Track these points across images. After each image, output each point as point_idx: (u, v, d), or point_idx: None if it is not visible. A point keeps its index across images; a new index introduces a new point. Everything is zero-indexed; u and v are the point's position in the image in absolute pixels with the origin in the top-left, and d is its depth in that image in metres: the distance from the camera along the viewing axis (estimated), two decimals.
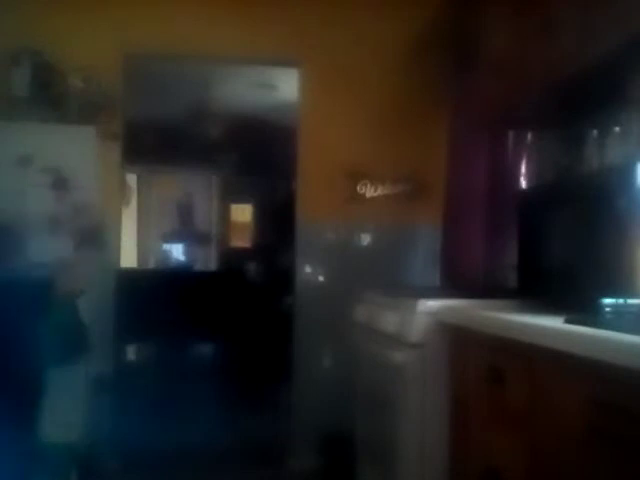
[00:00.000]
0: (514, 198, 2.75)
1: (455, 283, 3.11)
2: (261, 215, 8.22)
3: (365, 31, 3.57)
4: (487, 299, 2.20)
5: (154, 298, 5.69)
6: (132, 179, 8.01)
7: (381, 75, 3.60)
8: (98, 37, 3.37)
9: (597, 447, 1.27)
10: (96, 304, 3.13)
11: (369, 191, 3.66)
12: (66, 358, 2.70)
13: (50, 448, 2.62)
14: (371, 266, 3.61)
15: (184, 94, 5.56)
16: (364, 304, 2.77)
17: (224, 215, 8.55)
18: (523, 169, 2.90)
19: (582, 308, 1.58)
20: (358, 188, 3.64)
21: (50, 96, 3.25)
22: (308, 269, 3.66)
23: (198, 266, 8.40)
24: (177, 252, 8.71)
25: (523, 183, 2.90)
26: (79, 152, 3.20)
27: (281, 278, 5.06)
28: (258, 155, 6.99)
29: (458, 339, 2.08)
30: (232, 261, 7.74)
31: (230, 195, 8.43)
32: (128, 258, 7.42)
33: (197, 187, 8.75)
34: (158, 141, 6.78)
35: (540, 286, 2.13)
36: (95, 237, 3.02)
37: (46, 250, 2.86)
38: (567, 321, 1.50)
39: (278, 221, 5.98)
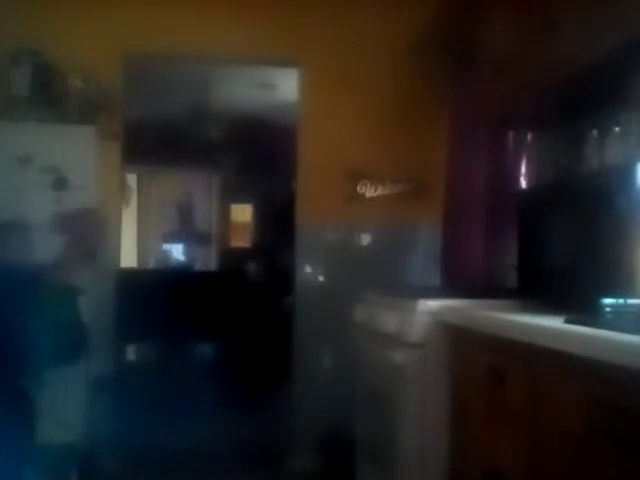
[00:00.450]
0: (514, 198, 2.75)
1: (455, 283, 3.11)
2: (261, 215, 8.22)
3: (365, 31, 3.57)
4: (487, 299, 2.20)
5: (154, 298, 5.69)
6: (132, 179, 8.02)
7: (381, 75, 3.61)
8: (98, 37, 3.37)
9: (597, 447, 1.27)
10: (96, 304, 3.13)
11: (369, 191, 3.66)
12: (66, 358, 2.69)
13: (50, 448, 2.62)
14: (371, 266, 3.61)
15: (184, 94, 5.56)
16: (364, 304, 2.77)
17: (224, 215, 8.56)
18: (523, 169, 2.90)
19: (582, 308, 1.57)
20: (358, 188, 3.65)
21: (50, 96, 3.25)
22: (308, 269, 3.66)
23: (198, 266, 8.41)
24: (177, 252, 8.72)
25: (523, 183, 2.89)
26: (79, 152, 3.20)
27: (281, 278, 5.06)
28: (258, 155, 6.99)
29: (458, 339, 2.08)
30: (232, 261, 7.74)
31: (230, 195, 8.43)
32: (128, 258, 7.43)
33: (197, 187, 8.76)
34: (158, 141, 6.78)
35: (540, 286, 2.13)
36: (95, 237, 3.02)
37: (46, 250, 2.85)
38: (567, 321, 1.50)
39: (278, 221, 5.98)
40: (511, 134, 2.96)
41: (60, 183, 3.15)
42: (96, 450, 3.09)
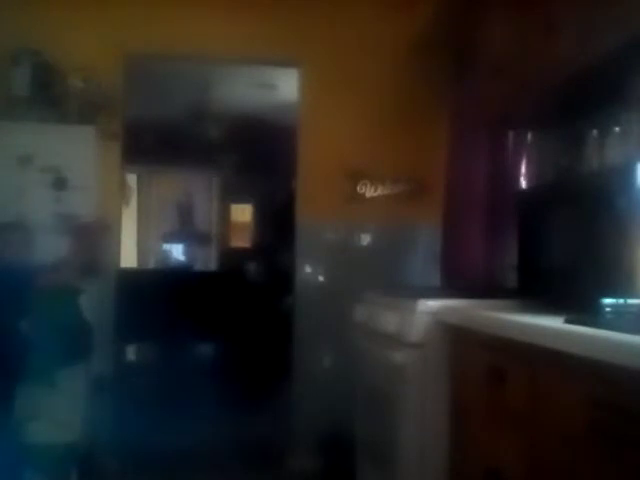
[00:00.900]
0: (514, 198, 2.75)
1: (455, 283, 3.11)
2: (261, 215, 8.22)
3: (365, 31, 3.57)
4: (487, 299, 2.20)
5: (154, 298, 5.68)
6: (132, 179, 8.02)
7: (381, 75, 3.60)
8: (98, 37, 3.37)
9: (597, 447, 1.27)
10: (96, 304, 3.12)
11: (369, 191, 3.66)
12: (71, 358, 2.70)
13: (50, 448, 2.62)
14: (371, 266, 3.61)
15: (184, 94, 5.56)
16: (364, 304, 2.77)
17: (224, 215, 8.55)
18: (523, 169, 2.90)
19: (582, 308, 1.57)
20: (358, 188, 3.65)
21: (50, 96, 3.25)
22: (308, 269, 3.66)
23: (198, 266, 8.41)
24: (177, 252, 8.72)
25: (523, 183, 2.89)
26: (79, 152, 3.20)
27: (281, 278, 5.06)
28: (258, 155, 6.98)
29: (458, 339, 2.08)
30: (232, 261, 7.74)
31: (230, 195, 8.43)
32: (128, 258, 7.43)
33: (197, 187, 8.76)
34: (158, 141, 6.78)
35: (540, 286, 2.13)
36: (95, 237, 3.02)
37: (46, 250, 2.85)
38: (567, 321, 1.50)
39: (278, 221, 5.99)
40: (511, 134, 2.96)
41: (60, 183, 3.15)
42: (96, 450, 3.09)
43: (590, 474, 1.31)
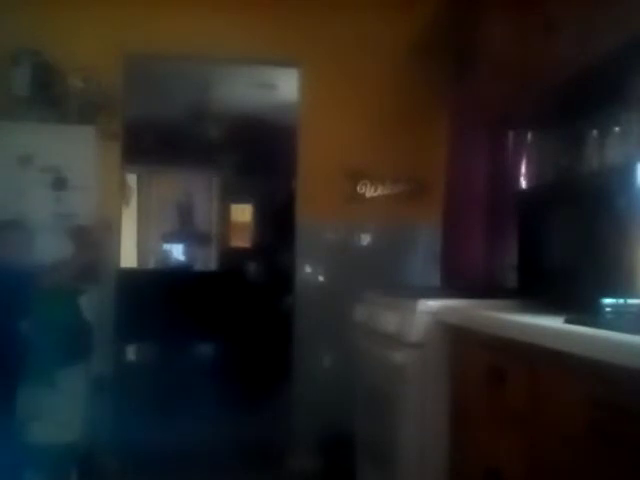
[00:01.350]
0: (514, 198, 2.75)
1: (455, 283, 3.11)
2: (261, 215, 8.23)
3: (365, 31, 3.56)
4: (487, 299, 2.20)
5: (154, 298, 5.69)
6: (132, 179, 8.02)
7: (381, 75, 3.60)
8: (98, 37, 3.37)
9: (597, 447, 1.27)
10: (96, 304, 3.12)
11: (369, 191, 3.66)
12: (71, 357, 2.70)
13: (50, 448, 2.62)
14: (371, 266, 3.61)
15: (184, 94, 5.56)
16: (364, 304, 2.77)
17: (224, 215, 8.56)
18: (523, 169, 2.90)
19: (582, 308, 1.57)
20: (358, 188, 3.65)
21: (50, 96, 3.25)
22: (308, 269, 3.66)
23: (198, 266, 8.41)
24: (177, 252, 8.72)
25: (523, 183, 2.89)
26: (79, 152, 3.20)
27: (281, 278, 5.06)
28: (258, 155, 6.99)
29: (458, 339, 2.08)
30: (232, 261, 7.74)
31: (230, 195, 8.43)
32: (128, 258, 7.43)
33: (197, 187, 8.76)
34: (158, 141, 6.79)
35: (540, 286, 2.13)
36: (94, 237, 3.02)
37: (45, 250, 2.86)
38: (567, 321, 1.50)
39: (278, 221, 5.99)
40: (511, 134, 2.96)
41: (60, 183, 3.15)
42: (96, 450, 3.09)
43: (590, 474, 1.31)
